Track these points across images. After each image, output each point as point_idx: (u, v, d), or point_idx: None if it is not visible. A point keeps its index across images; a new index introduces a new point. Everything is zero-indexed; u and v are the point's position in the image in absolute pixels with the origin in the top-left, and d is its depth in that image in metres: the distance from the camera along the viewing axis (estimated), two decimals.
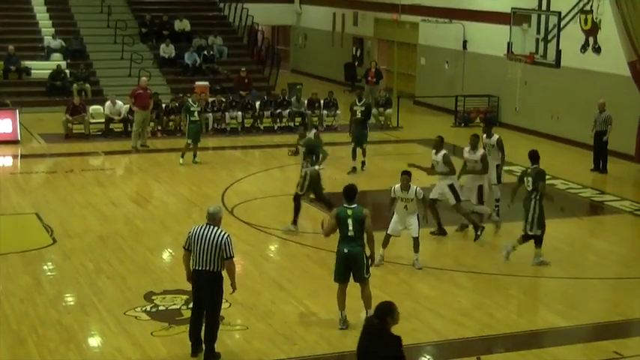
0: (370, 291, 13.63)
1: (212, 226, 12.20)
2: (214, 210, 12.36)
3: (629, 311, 15.15)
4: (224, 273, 12.31)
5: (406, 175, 16.17)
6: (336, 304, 13.65)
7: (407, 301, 14.75)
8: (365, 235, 13.47)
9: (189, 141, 24.51)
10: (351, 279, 13.57)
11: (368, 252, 13.57)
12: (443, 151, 18.51)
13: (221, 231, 12.17)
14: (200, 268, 12.15)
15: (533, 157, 17.14)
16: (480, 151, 18.57)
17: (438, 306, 14.67)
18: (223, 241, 12.04)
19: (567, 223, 20.22)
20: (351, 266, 13.43)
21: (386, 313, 9.22)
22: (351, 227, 13.35)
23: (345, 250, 13.39)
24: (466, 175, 18.68)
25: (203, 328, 12.44)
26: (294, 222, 18.69)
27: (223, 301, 13.79)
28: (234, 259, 12.24)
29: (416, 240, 16.35)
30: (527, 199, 16.75)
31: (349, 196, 13.60)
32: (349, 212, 13.41)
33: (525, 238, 16.84)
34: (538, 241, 16.80)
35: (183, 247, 12.42)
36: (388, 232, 16.37)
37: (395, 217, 16.43)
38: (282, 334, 13.37)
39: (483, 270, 16.63)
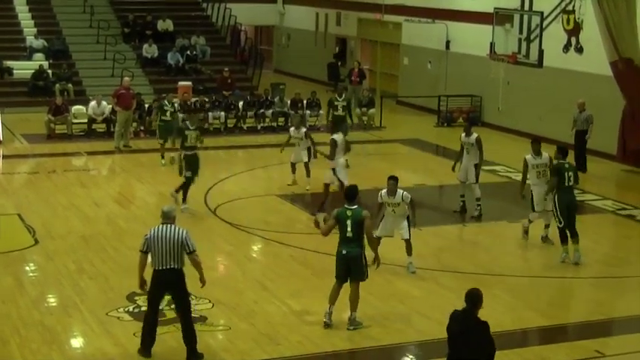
0: (359, 294, 13.64)
1: (169, 225, 12.47)
2: (169, 209, 12.74)
3: (611, 310, 15.21)
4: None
5: (392, 180, 15.96)
6: (327, 299, 13.67)
7: (391, 302, 14.79)
8: (365, 237, 13.56)
9: (161, 141, 24.52)
10: None
11: (371, 254, 13.77)
12: (333, 136, 19.98)
13: (179, 228, 12.45)
14: (165, 268, 12.31)
15: (565, 152, 17.54)
16: (546, 155, 18.30)
17: (422, 306, 14.69)
18: (184, 237, 12.32)
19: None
20: (351, 267, 13.49)
21: (476, 299, 10.13)
22: (349, 228, 13.41)
23: (344, 252, 13.47)
24: (539, 184, 18.12)
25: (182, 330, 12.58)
26: (184, 200, 19.93)
27: (206, 301, 13.92)
28: (196, 253, 12.46)
29: (407, 242, 16.26)
30: (569, 193, 17.11)
31: (350, 197, 13.67)
32: (349, 213, 13.47)
33: (564, 232, 17.12)
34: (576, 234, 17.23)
35: (141, 251, 12.52)
36: (376, 234, 15.80)
37: (384, 220, 16.30)
38: (266, 334, 13.36)
39: (467, 270, 16.66)
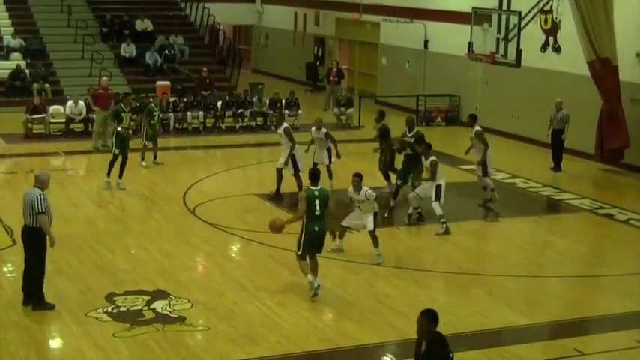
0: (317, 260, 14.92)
1: (34, 188, 13.98)
2: (39, 173, 14.28)
3: (588, 309, 15.29)
4: None
5: (356, 177, 16.46)
6: (303, 273, 14.74)
7: (368, 300, 14.82)
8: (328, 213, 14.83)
9: (147, 143, 24.30)
10: None
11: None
12: (284, 125, 21.26)
13: (35, 190, 13.90)
14: (24, 224, 14.00)
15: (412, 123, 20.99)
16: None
17: (399, 305, 14.72)
18: (34, 199, 13.75)
19: (527, 221, 20.39)
20: (319, 242, 14.74)
21: None
22: (318, 207, 14.57)
23: (316, 229, 14.58)
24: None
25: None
26: (108, 174, 22.00)
27: (185, 301, 13.96)
28: (45, 215, 13.78)
29: (372, 234, 16.60)
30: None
31: (314, 179, 14.86)
32: (316, 194, 14.67)
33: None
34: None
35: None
36: (342, 223, 16.77)
37: (352, 213, 16.80)
38: (245, 335, 13.35)
39: (445, 269, 16.71)
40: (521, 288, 16.07)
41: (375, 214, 16.51)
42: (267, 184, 22.35)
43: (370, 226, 16.49)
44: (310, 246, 14.70)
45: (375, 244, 16.66)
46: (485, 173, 20.57)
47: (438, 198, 18.65)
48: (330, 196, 14.80)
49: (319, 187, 14.77)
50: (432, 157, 18.80)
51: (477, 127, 20.93)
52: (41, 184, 13.98)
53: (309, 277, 14.63)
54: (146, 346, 12.78)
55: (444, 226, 18.66)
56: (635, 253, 18.34)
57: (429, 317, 9.42)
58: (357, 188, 16.34)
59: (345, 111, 31.45)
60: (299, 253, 14.74)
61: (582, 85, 25.51)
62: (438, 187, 18.69)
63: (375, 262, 16.59)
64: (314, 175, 14.92)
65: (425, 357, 9.38)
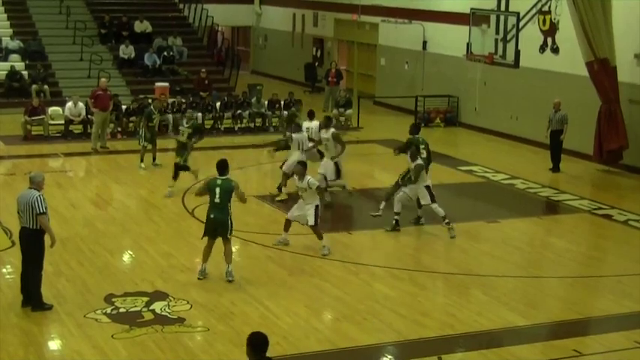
0: (231, 249, 15.63)
1: (30, 189, 13.91)
2: (33, 174, 14.21)
3: (587, 309, 15.29)
4: None
5: (299, 165, 17.15)
6: (202, 257, 15.59)
7: (367, 301, 14.81)
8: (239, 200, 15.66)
9: (146, 144, 24.21)
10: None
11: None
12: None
13: (33, 191, 13.83)
14: (22, 226, 13.90)
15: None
16: None
17: (398, 306, 14.72)
18: (33, 200, 13.67)
19: (526, 222, 20.39)
20: (217, 229, 15.36)
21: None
22: (217, 195, 15.25)
23: (212, 216, 15.38)
24: None
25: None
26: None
27: (184, 302, 13.94)
28: (46, 215, 13.76)
29: (313, 228, 16.95)
30: None
31: (221, 169, 15.45)
32: (218, 182, 15.32)
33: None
34: None
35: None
36: (287, 216, 17.38)
37: (296, 204, 17.23)
38: (244, 336, 13.26)
39: (444, 270, 16.71)
40: (520, 289, 16.07)
41: (317, 207, 16.81)
42: (267, 186, 22.38)
43: (311, 221, 16.84)
44: (208, 230, 15.46)
45: (319, 237, 16.98)
46: (337, 175, 20.82)
47: (433, 199, 18.49)
48: (236, 186, 15.32)
49: (224, 177, 15.31)
50: (419, 161, 18.48)
51: (333, 129, 21.15)
52: (37, 184, 13.93)
53: (202, 264, 15.57)
54: (145, 347, 12.78)
55: (451, 225, 18.49)
56: (634, 254, 18.32)
57: (252, 346, 8.83)
58: (300, 175, 16.79)
59: (344, 112, 31.46)
60: (203, 235, 15.56)
61: (581, 85, 25.52)
62: (428, 188, 18.52)
63: (322, 254, 16.87)
64: (221, 166, 15.43)
65: None
